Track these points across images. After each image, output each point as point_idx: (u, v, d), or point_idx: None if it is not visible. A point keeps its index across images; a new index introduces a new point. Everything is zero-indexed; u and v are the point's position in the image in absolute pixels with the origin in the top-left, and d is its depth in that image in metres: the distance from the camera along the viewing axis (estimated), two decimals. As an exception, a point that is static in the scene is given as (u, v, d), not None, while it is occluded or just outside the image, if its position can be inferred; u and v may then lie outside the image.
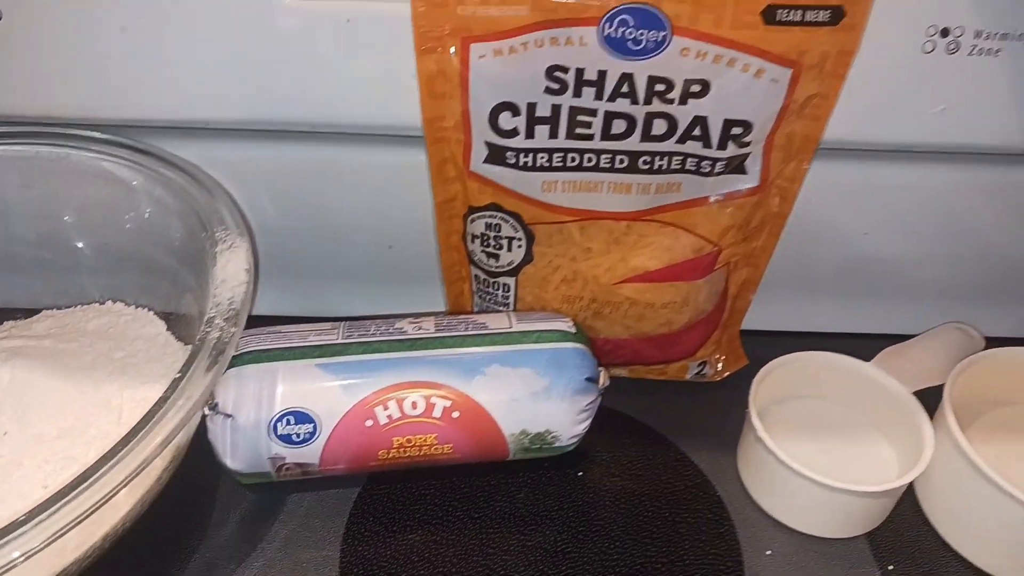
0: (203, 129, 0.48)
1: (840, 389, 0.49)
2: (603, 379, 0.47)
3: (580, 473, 0.48)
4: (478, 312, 0.50)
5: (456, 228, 0.48)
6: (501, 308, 0.50)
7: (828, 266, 0.55)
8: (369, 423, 0.42)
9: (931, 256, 0.54)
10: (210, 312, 0.37)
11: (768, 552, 0.44)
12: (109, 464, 0.29)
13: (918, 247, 0.54)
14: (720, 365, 0.53)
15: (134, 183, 0.44)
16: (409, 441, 0.43)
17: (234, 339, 0.36)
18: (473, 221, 0.47)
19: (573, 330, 0.45)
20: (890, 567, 0.44)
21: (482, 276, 0.50)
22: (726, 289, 0.50)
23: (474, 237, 0.48)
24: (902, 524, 0.46)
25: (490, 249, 0.48)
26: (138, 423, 0.31)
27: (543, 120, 0.43)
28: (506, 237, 0.47)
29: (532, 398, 0.43)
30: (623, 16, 0.39)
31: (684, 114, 0.42)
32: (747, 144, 0.43)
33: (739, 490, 0.47)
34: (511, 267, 0.48)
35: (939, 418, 0.45)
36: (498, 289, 0.49)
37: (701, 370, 0.53)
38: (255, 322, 0.46)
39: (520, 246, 0.47)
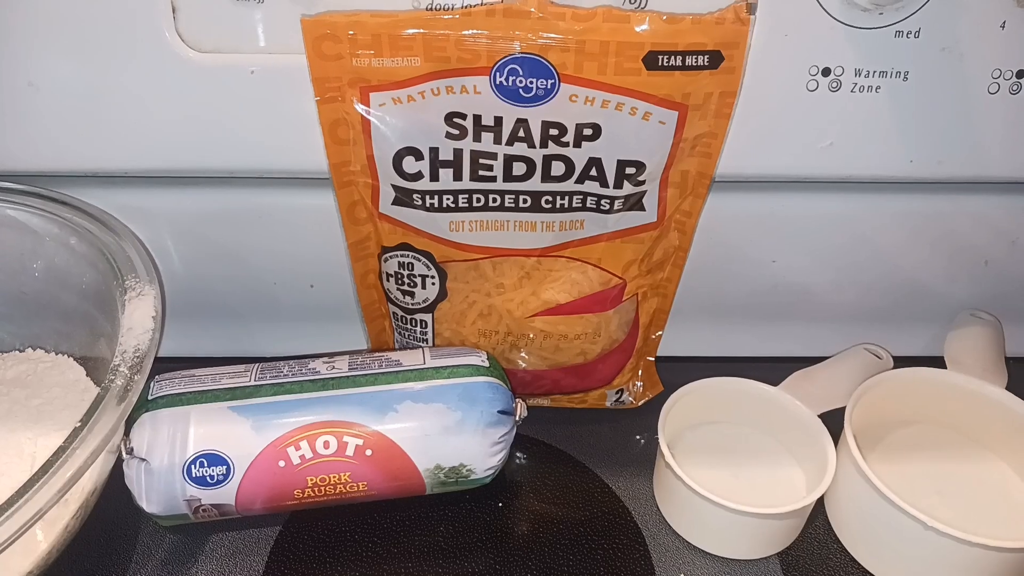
0: (118, 177, 0.50)
1: (750, 413, 0.52)
2: (520, 410, 0.49)
3: (500, 504, 0.50)
4: (394, 349, 0.52)
5: (372, 267, 0.50)
6: (420, 344, 0.52)
7: (740, 293, 0.57)
8: (282, 463, 0.44)
9: (839, 281, 0.57)
10: (115, 360, 0.38)
11: (682, 575, 0.47)
12: (3, 515, 0.31)
13: (826, 273, 0.57)
14: (638, 391, 0.56)
15: (42, 230, 0.46)
16: (323, 480, 0.45)
17: (137, 386, 0.38)
18: (387, 260, 0.49)
19: (486, 364, 0.48)
20: (798, 586, 0.46)
21: (400, 313, 0.52)
22: (637, 319, 0.52)
23: (389, 276, 0.50)
24: (813, 543, 0.49)
25: (405, 287, 0.50)
26: (34, 474, 0.32)
27: (446, 164, 0.45)
28: (419, 275, 0.49)
29: (445, 432, 0.45)
30: (512, 66, 0.42)
31: (579, 156, 0.45)
32: (642, 183, 0.46)
33: (655, 516, 0.50)
34: (427, 304, 0.50)
35: (842, 439, 0.48)
36: (416, 325, 0.52)
37: (619, 397, 0.55)
38: (179, 364, 0.48)
39: (434, 283, 0.49)
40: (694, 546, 0.48)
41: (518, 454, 0.53)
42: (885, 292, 0.58)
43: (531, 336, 0.51)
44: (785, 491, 0.49)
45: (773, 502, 0.45)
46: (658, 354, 0.57)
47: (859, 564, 0.47)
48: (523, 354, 0.52)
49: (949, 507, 0.48)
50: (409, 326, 0.52)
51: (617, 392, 0.55)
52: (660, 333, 0.55)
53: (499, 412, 0.46)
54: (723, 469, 0.50)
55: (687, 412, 0.51)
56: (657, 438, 0.48)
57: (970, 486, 0.50)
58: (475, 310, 0.51)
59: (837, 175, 0.50)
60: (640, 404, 0.56)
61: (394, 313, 0.52)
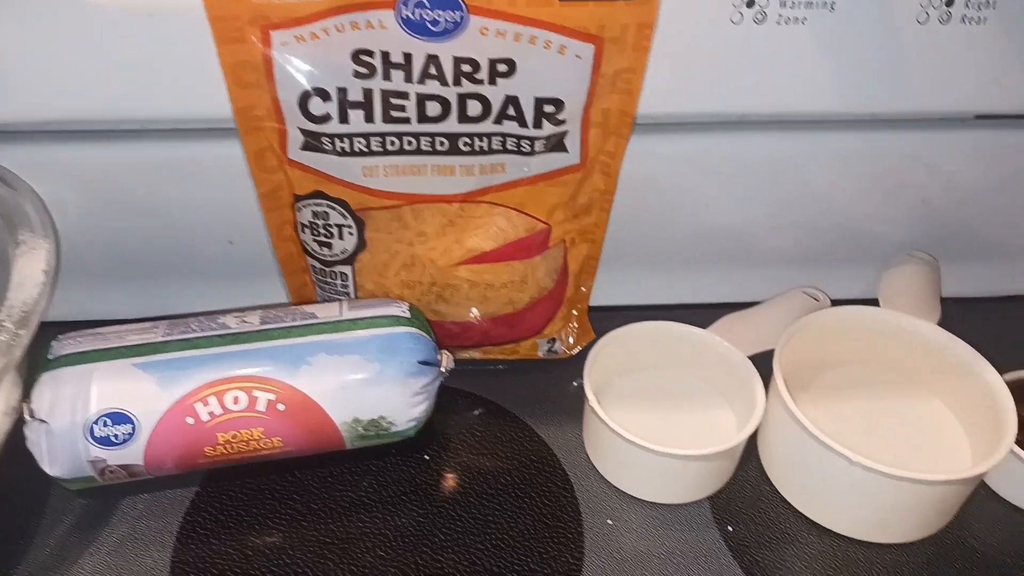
0: (18, 132, 0.48)
1: (681, 358, 0.51)
2: (445, 361, 0.48)
3: (427, 456, 0.49)
4: (309, 304, 0.50)
5: (287, 218, 0.49)
6: (342, 298, 0.51)
7: (673, 239, 0.57)
8: (190, 421, 0.43)
9: (775, 224, 0.57)
10: (1, 315, 0.36)
11: (609, 521, 0.46)
12: None
13: (760, 216, 0.56)
14: (571, 340, 0.55)
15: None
16: (235, 437, 0.43)
17: (21, 342, 0.36)
18: (300, 210, 0.48)
19: (407, 314, 0.46)
20: (730, 528, 0.46)
21: (318, 266, 0.50)
22: (566, 266, 0.51)
23: (303, 226, 0.48)
24: (745, 486, 0.48)
25: (321, 238, 0.48)
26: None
27: (356, 105, 0.43)
28: (335, 225, 0.48)
29: (361, 385, 0.44)
30: (417, -3, 0.40)
31: (495, 94, 0.43)
32: (562, 122, 0.45)
33: (585, 463, 0.49)
34: (345, 255, 0.49)
35: (772, 380, 0.47)
36: (336, 279, 0.50)
37: (552, 347, 0.54)
38: (95, 326, 0.46)
39: (351, 233, 0.48)
40: (624, 492, 0.47)
41: (457, 407, 0.52)
42: (822, 234, 0.58)
43: (456, 286, 0.50)
44: (715, 433, 0.49)
45: (703, 445, 0.45)
46: (591, 303, 0.56)
47: (790, 505, 0.47)
48: (450, 305, 0.51)
49: (880, 444, 0.48)
50: (329, 279, 0.50)
51: (549, 342, 0.54)
52: (592, 281, 0.54)
53: (420, 363, 0.45)
54: (653, 414, 0.50)
55: (616, 358, 0.51)
56: (581, 383, 0.47)
57: (902, 423, 0.50)
58: (398, 261, 0.49)
59: (765, 112, 0.49)
60: (573, 353, 0.55)
61: (313, 266, 0.51)
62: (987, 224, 0.58)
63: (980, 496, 0.48)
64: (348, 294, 0.51)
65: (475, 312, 0.51)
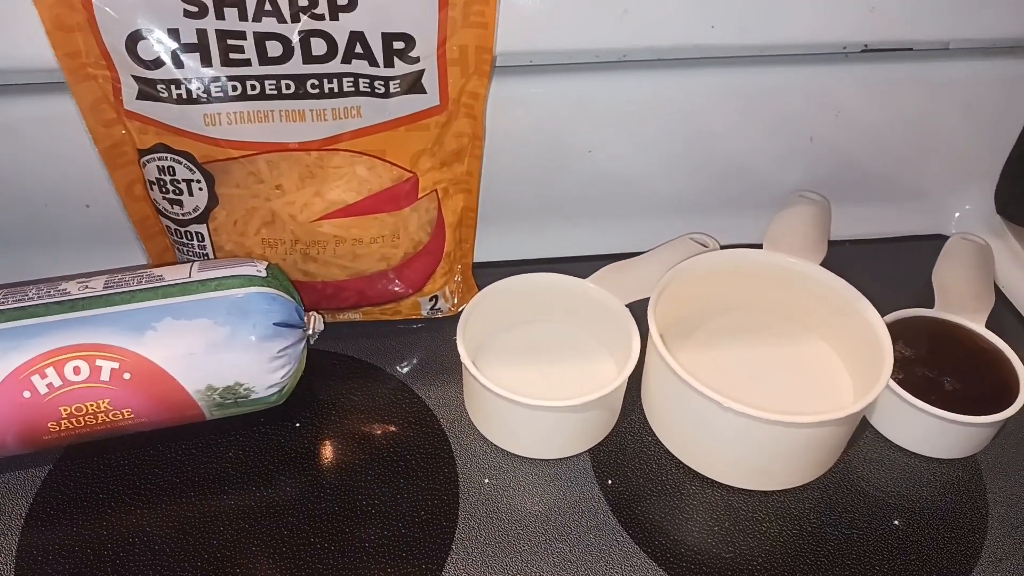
0: None
1: (561, 309, 0.50)
2: (314, 324, 0.46)
3: (298, 424, 0.47)
4: (157, 266, 0.48)
5: (135, 176, 0.46)
6: (196, 260, 0.48)
7: (559, 187, 0.55)
8: (27, 394, 0.40)
9: (663, 168, 0.56)
10: None
11: (487, 481, 0.45)
12: None
13: (648, 160, 0.55)
14: (456, 298, 0.53)
15: None
16: (79, 410, 0.41)
17: None
18: (146, 166, 0.45)
19: (262, 274, 0.44)
20: (609, 481, 0.45)
21: (173, 226, 0.47)
22: (441, 218, 0.49)
23: (152, 184, 0.46)
24: (627, 438, 0.47)
25: (170, 195, 0.46)
26: None
27: (190, 47, 0.41)
28: (183, 180, 0.45)
29: (212, 350, 0.42)
30: (237, -76, 0.37)
31: (339, 31, 0.41)
32: (416, 60, 0.42)
33: (466, 423, 0.48)
34: (198, 213, 0.46)
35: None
36: (192, 239, 0.47)
37: (435, 305, 0.52)
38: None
39: (201, 189, 0.45)
40: (503, 450, 0.46)
41: (333, 371, 0.50)
42: (711, 178, 0.56)
43: (323, 243, 0.47)
44: (595, 384, 0.47)
45: (583, 396, 0.43)
46: (477, 259, 0.54)
47: (673, 455, 0.46)
48: (319, 264, 0.48)
49: (763, 389, 0.47)
50: (185, 240, 0.48)
51: (431, 299, 0.52)
52: (473, 234, 0.52)
53: (276, 324, 0.43)
54: (532, 368, 0.48)
55: (494, 314, 0.49)
56: (454, 340, 0.46)
57: (787, 367, 0.49)
58: (257, 218, 0.47)
59: (635, 46, 0.47)
60: (459, 311, 0.53)
61: (167, 227, 0.48)
62: (877, 163, 0.58)
63: (866, 438, 0.48)
64: (207, 255, 0.48)
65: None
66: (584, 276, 0.50)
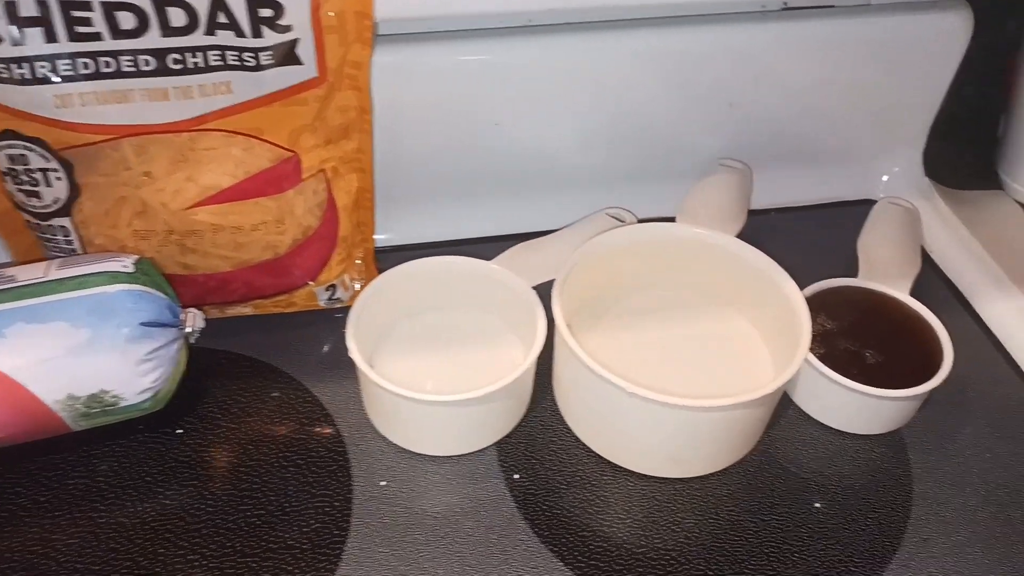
0: None
1: (468, 293, 0.48)
2: (192, 321, 0.43)
3: (180, 430, 0.45)
4: (11, 265, 0.44)
5: (-15, 167, 0.43)
6: (59, 256, 0.45)
7: (464, 165, 0.52)
8: None
9: (578, 139, 0.53)
10: None
11: (383, 483, 0.43)
12: None
13: (562, 131, 0.53)
14: (357, 286, 0.50)
15: None
16: (-78, 427, 0.38)
17: None
18: (-6, 155, 0.42)
19: (129, 269, 0.41)
20: (516, 476, 0.43)
21: (34, 221, 0.44)
22: (332, 200, 0.47)
23: (3, 174, 0.42)
24: (538, 428, 0.45)
25: (26, 187, 0.42)
26: None
27: (31, 21, 0.37)
28: (38, 169, 0.42)
29: (69, 355, 0.39)
30: None
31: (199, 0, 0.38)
32: (287, 28, 0.39)
33: (363, 421, 0.45)
34: (59, 205, 0.43)
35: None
36: (57, 234, 0.44)
37: (333, 295, 0.50)
38: None
39: (59, 178, 0.42)
40: (402, 449, 0.44)
41: (221, 371, 0.47)
42: (628, 148, 0.54)
43: (200, 232, 0.44)
44: (503, 373, 0.44)
45: (489, 385, 0.41)
46: (380, 243, 0.52)
47: (584, 444, 0.44)
48: (199, 256, 0.45)
49: (679, 371, 0.46)
50: (50, 235, 0.44)
51: (328, 289, 0.49)
52: (371, 217, 0.49)
53: (144, 324, 0.40)
54: (435, 358, 0.46)
55: (395, 301, 0.47)
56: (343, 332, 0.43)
57: (704, 346, 0.48)
58: (128, 208, 0.43)
59: (530, 8, 0.45)
60: (359, 300, 0.51)
61: (29, 222, 0.44)
62: (800, 127, 0.56)
63: (789, 416, 0.47)
64: (74, 251, 0.45)
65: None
66: (493, 258, 0.48)
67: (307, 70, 0.41)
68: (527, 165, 0.53)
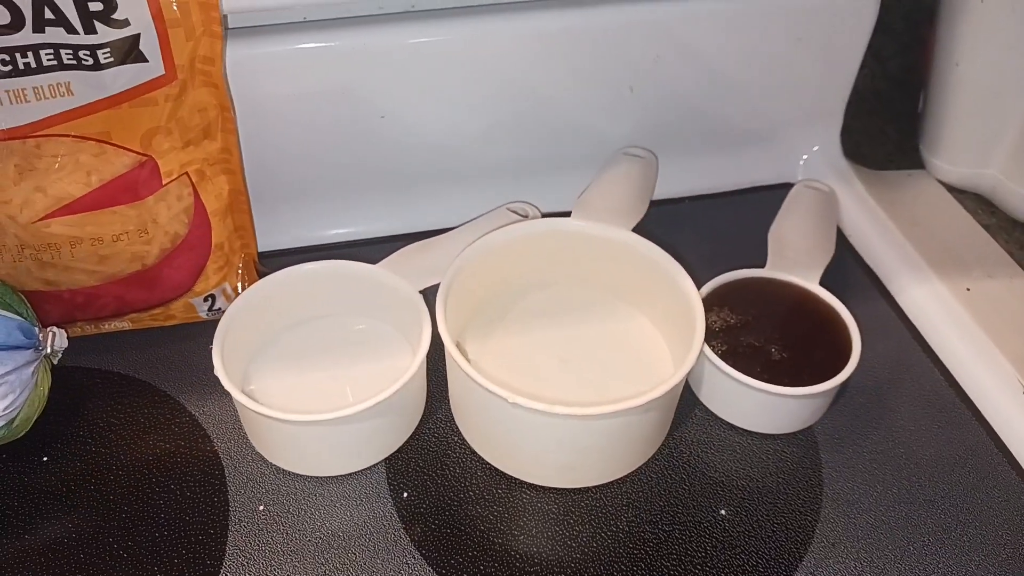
0: None
1: (355, 299, 0.45)
2: (52, 341, 0.41)
3: (45, 458, 0.42)
4: None
5: None
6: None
7: (349, 162, 0.50)
8: None
9: (472, 132, 0.51)
10: None
11: (261, 508, 0.40)
12: None
13: (460, 121, 0.50)
14: (235, 296, 0.48)
15: None
16: None
17: None
18: None
19: (-29, 290, 0.38)
20: (405, 494, 0.41)
21: None
22: (200, 205, 0.44)
23: None
24: (431, 441, 0.43)
25: None
26: None
27: None
28: None
29: (-96, 385, 0.36)
30: None
31: (18, -7, 0.35)
32: (124, 23, 0.36)
33: (243, 441, 0.43)
34: None
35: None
36: None
37: (212, 305, 0.47)
38: None
39: None
40: (284, 470, 0.41)
41: (92, 391, 0.44)
42: (527, 139, 0.52)
43: (55, 245, 0.41)
44: (393, 381, 0.42)
45: (359, 403, 0.38)
46: (263, 248, 0.49)
47: (478, 455, 0.42)
48: (60, 271, 0.42)
49: (578, 373, 0.44)
50: None
51: (207, 299, 0.46)
52: (248, 220, 0.46)
53: (-12, 348, 0.37)
54: (319, 371, 0.44)
55: (273, 311, 0.44)
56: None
57: (604, 346, 0.46)
58: (-27, 223, 0.41)
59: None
60: (244, 309, 0.48)
61: None
62: (709, 109, 0.54)
63: (696, 416, 0.44)
64: (-85, 272, 0.42)
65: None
66: (380, 260, 0.45)
67: (154, 68, 0.38)
68: (419, 159, 0.50)
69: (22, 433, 0.41)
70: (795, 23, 0.51)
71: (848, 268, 0.53)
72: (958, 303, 0.49)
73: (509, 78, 0.49)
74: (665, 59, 0.50)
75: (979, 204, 0.58)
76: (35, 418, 0.41)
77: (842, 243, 0.54)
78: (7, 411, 0.38)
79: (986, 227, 0.55)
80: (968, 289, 0.50)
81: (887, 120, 0.61)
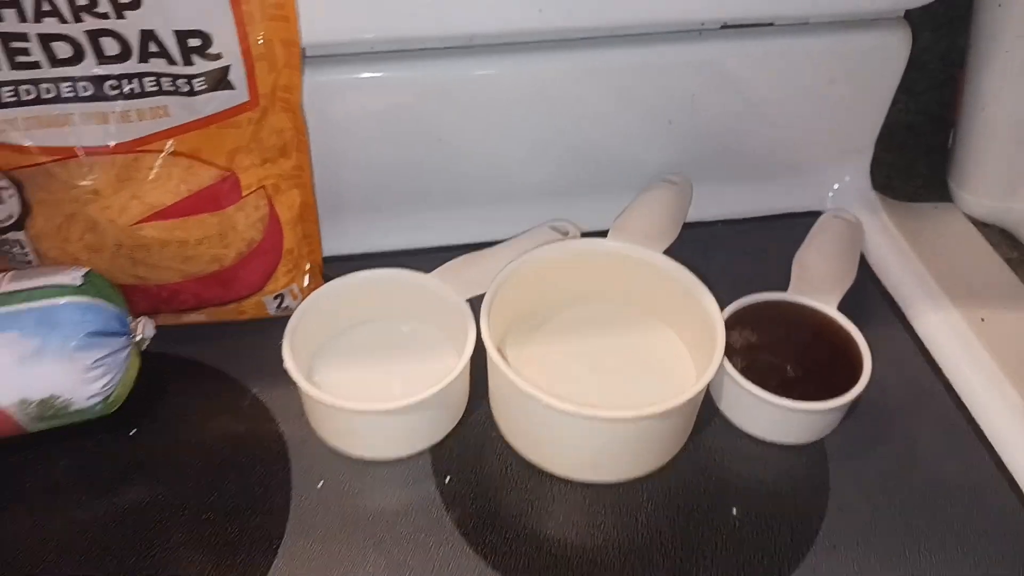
0: None
1: (407, 305, 0.50)
2: (142, 329, 0.46)
3: (134, 431, 0.47)
4: None
5: (-55, 184, 0.45)
6: (14, 269, 0.48)
7: (408, 179, 0.55)
8: None
9: (520, 155, 0.55)
10: None
11: (320, 484, 0.45)
12: None
13: (503, 147, 0.55)
14: (301, 296, 0.53)
15: None
16: None
17: None
18: (-50, 174, 0.44)
19: (78, 283, 0.44)
20: (447, 479, 0.45)
21: (-8, 236, 0.47)
22: (274, 215, 0.49)
23: (-40, 193, 0.45)
24: (472, 433, 0.48)
25: (-19, 204, 0.45)
26: None
27: (-27, 52, 0.40)
28: (-8, 188, 0.45)
29: (21, 363, 0.42)
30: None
31: (129, 29, 0.40)
32: (217, 56, 0.42)
33: (306, 426, 0.48)
34: (13, 221, 0.46)
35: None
36: (13, 247, 0.47)
37: (282, 303, 0.52)
38: None
39: (12, 196, 0.45)
40: (341, 453, 0.46)
41: (174, 376, 0.50)
42: (572, 163, 0.56)
43: (147, 246, 0.47)
44: (439, 381, 0.46)
45: (408, 396, 0.43)
46: (327, 253, 0.54)
47: (514, 449, 0.47)
48: (149, 268, 0.48)
49: (607, 381, 0.48)
50: (6, 248, 0.47)
51: (277, 298, 0.52)
52: (316, 229, 0.52)
53: (90, 334, 0.43)
54: (373, 368, 0.49)
55: (334, 313, 0.49)
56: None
57: (633, 357, 0.50)
58: (78, 223, 0.46)
59: (455, 32, 0.46)
60: (308, 309, 0.53)
61: (-14, 237, 0.48)
62: (743, 142, 0.57)
63: (715, 425, 0.48)
64: (30, 263, 0.48)
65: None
66: (433, 270, 0.50)
67: (239, 95, 0.44)
68: (471, 179, 0.55)
69: (113, 409, 0.46)
70: (828, 64, 0.55)
71: (868, 294, 0.56)
72: (972, 332, 0.52)
73: (557, 108, 0.53)
74: (703, 95, 0.54)
75: (1004, 238, 0.60)
76: (126, 396, 0.47)
77: (864, 270, 0.57)
78: (104, 389, 0.44)
79: (1008, 260, 0.58)
80: (983, 319, 0.53)
81: (918, 154, 0.64)
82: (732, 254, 0.57)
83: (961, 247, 0.58)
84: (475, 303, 0.47)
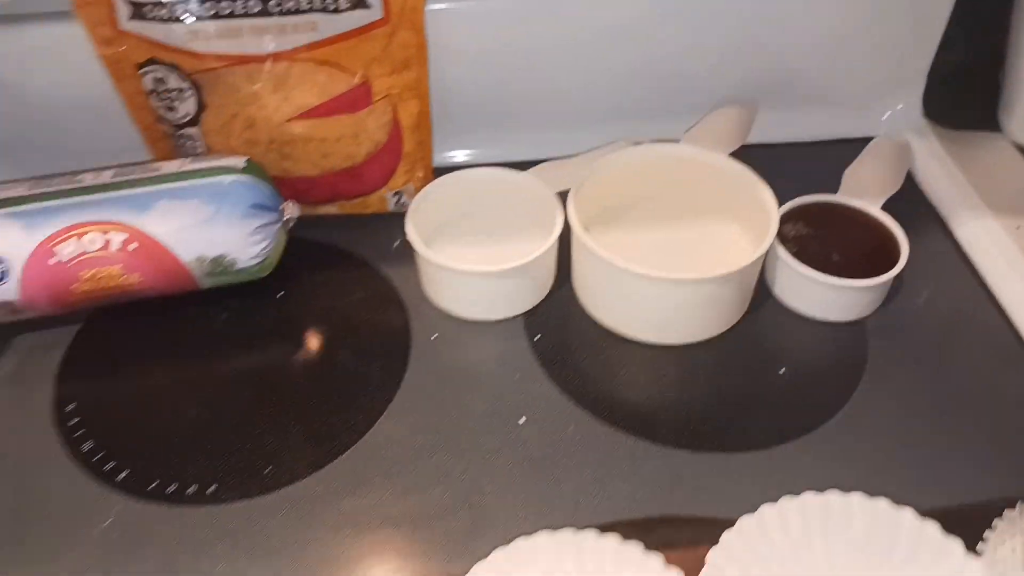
0: None
1: (502, 198, 0.59)
2: (290, 210, 0.56)
3: (281, 293, 0.58)
4: (156, 160, 0.58)
5: (137, 88, 0.56)
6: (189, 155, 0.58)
7: (508, 100, 0.63)
8: (53, 260, 0.51)
9: (605, 80, 0.63)
10: None
11: (434, 336, 0.55)
12: None
13: (590, 72, 0.63)
14: (416, 193, 0.62)
15: None
16: (96, 274, 0.52)
17: None
18: (144, 77, 0.55)
19: (242, 166, 0.54)
20: (536, 337, 0.54)
21: (170, 131, 0.58)
22: (397, 120, 0.58)
23: (149, 93, 0.56)
24: (556, 304, 0.57)
25: (165, 103, 0.56)
26: None
27: (169, -25, 0.50)
28: (175, 89, 0.55)
29: (201, 226, 0.52)
30: None
31: (293, -42, 0.50)
32: (363, -20, 0.51)
33: (420, 295, 0.57)
34: (189, 118, 0.56)
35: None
36: (187, 141, 0.57)
37: (399, 200, 0.62)
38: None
39: (191, 96, 0.55)
40: (450, 314, 0.56)
41: (313, 255, 0.59)
42: (649, 86, 0.64)
43: (294, 142, 0.57)
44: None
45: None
46: (437, 164, 0.63)
47: (591, 316, 0.55)
48: (294, 162, 0.58)
49: (671, 259, 0.56)
50: (183, 142, 0.58)
51: (396, 195, 0.61)
52: (429, 136, 0.61)
53: (252, 206, 0.53)
54: (477, 244, 0.58)
55: (445, 203, 0.58)
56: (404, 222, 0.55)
57: (698, 244, 0.58)
58: (239, 122, 0.56)
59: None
60: (421, 205, 0.63)
61: (167, 132, 0.58)
62: (806, 66, 0.64)
63: (768, 305, 0.56)
64: (200, 154, 0.58)
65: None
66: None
67: (375, 12, 0.53)
68: (558, 100, 0.63)
69: (267, 272, 0.56)
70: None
71: (914, 203, 0.63)
72: (1009, 238, 0.58)
73: (637, 39, 0.61)
74: (767, 25, 0.61)
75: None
76: (276, 263, 0.57)
77: (912, 186, 0.63)
78: (262, 253, 0.54)
79: (1051, 183, 0.63)
80: (1018, 227, 0.59)
81: (971, 86, 0.69)
82: (789, 170, 0.63)
83: (1005, 168, 0.64)
84: (562, 197, 0.56)
